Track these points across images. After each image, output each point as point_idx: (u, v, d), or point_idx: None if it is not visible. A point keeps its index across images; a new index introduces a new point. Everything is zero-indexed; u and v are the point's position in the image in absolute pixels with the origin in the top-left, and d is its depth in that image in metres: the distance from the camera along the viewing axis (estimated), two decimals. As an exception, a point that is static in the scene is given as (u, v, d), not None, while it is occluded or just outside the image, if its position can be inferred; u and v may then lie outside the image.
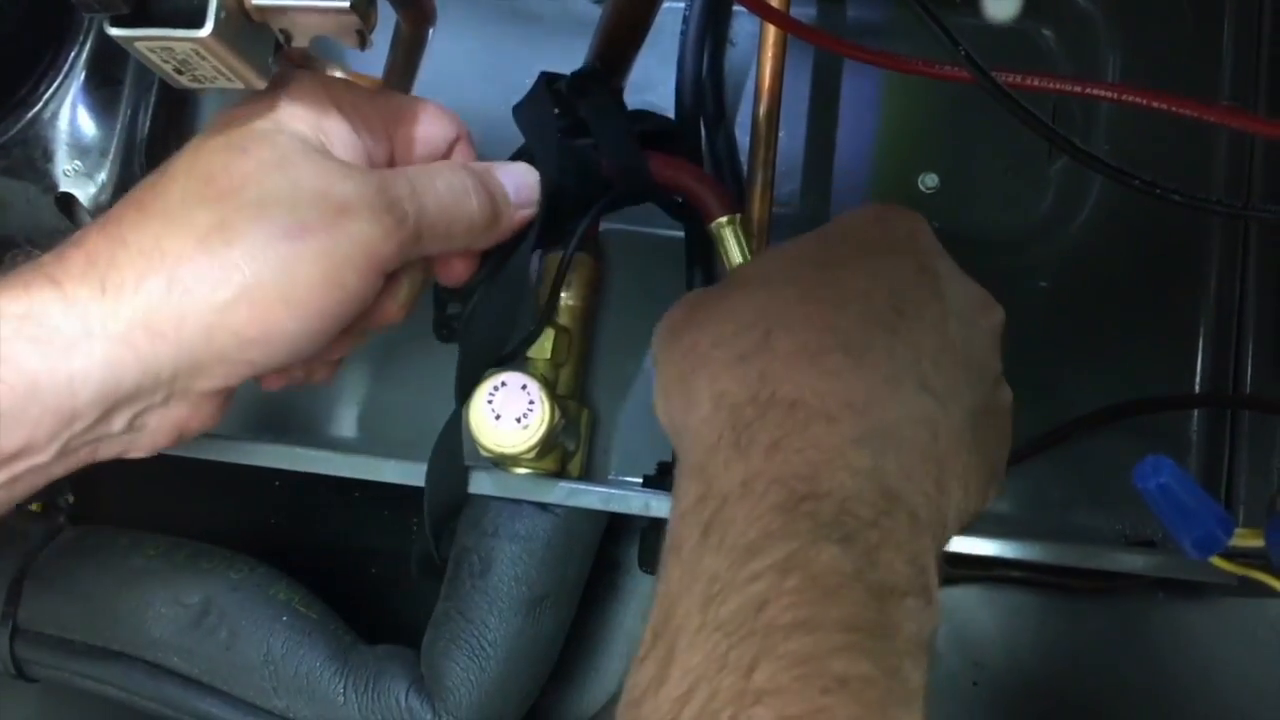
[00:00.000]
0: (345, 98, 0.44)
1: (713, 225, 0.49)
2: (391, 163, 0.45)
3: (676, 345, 0.39)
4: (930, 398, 0.36)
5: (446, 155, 0.47)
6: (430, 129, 0.46)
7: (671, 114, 0.57)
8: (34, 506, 0.61)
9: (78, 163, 0.63)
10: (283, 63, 0.44)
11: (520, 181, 0.46)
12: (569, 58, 0.57)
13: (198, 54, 0.43)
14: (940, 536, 0.36)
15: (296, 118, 0.42)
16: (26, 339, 0.37)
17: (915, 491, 0.35)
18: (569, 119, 0.49)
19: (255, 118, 0.42)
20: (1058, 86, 0.37)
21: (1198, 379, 0.60)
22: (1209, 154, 0.60)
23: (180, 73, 0.44)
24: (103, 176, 0.63)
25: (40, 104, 0.63)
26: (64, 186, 0.63)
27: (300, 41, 0.46)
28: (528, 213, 0.47)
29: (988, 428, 0.38)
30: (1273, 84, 0.58)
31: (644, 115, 0.51)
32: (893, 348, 0.36)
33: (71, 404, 0.38)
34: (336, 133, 0.42)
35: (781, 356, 0.36)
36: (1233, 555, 0.41)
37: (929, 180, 0.62)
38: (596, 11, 0.61)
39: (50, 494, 0.63)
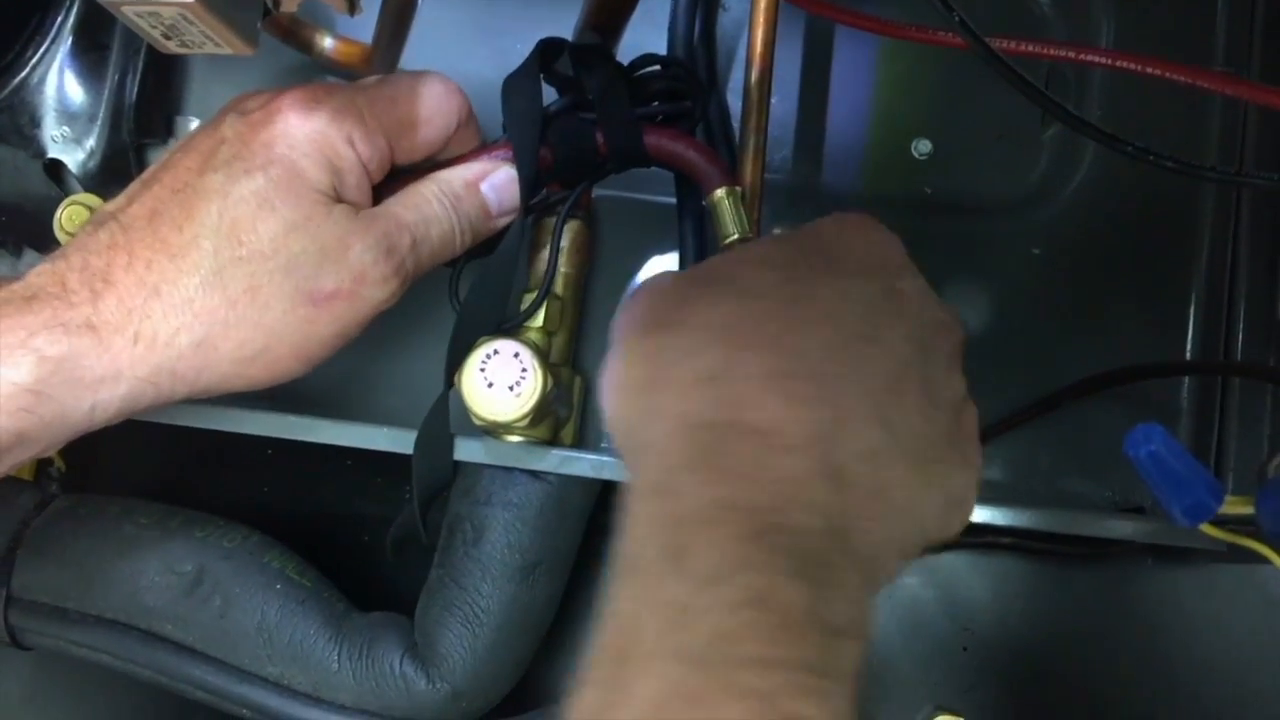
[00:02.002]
0: (350, 114, 0.44)
1: (710, 197, 0.49)
2: (393, 159, 0.46)
3: (639, 348, 0.38)
4: (881, 430, 0.36)
5: (451, 140, 0.48)
6: (433, 116, 0.47)
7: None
8: (25, 475, 0.61)
9: (66, 129, 0.62)
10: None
11: (503, 194, 0.48)
12: (561, 21, 0.57)
13: (185, 19, 0.42)
14: (872, 570, 0.35)
15: (314, 161, 0.43)
16: (63, 380, 0.41)
17: (856, 529, 0.35)
18: (571, 93, 0.49)
19: (275, 151, 0.43)
20: (1051, 52, 0.37)
21: (1189, 345, 0.60)
22: (1203, 119, 0.60)
23: (168, 38, 0.44)
24: (91, 142, 0.63)
25: (27, 69, 0.62)
26: (52, 153, 0.62)
27: (289, 7, 0.45)
28: (509, 219, 0.49)
29: (944, 455, 0.38)
30: (1266, 50, 0.58)
31: (646, 79, 0.50)
32: (853, 377, 0.36)
33: (88, 424, 0.43)
34: (349, 169, 0.45)
35: (744, 380, 0.36)
36: (1223, 522, 0.41)
37: (922, 146, 0.62)
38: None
39: (42, 463, 0.63)
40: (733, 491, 0.34)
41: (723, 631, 0.31)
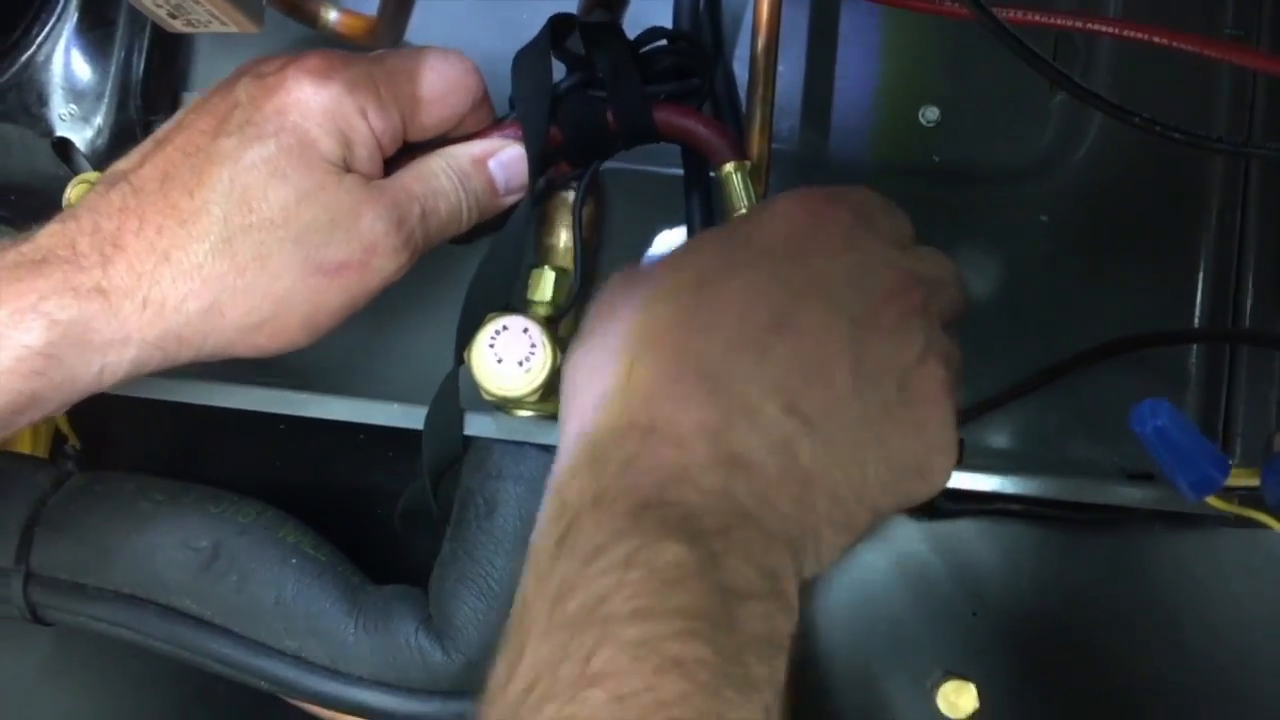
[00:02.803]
0: (365, 86, 0.44)
1: (719, 172, 0.49)
2: (405, 135, 0.46)
3: (568, 363, 0.41)
4: (795, 419, 0.36)
5: (464, 119, 0.48)
6: (449, 94, 0.46)
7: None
8: (41, 453, 0.62)
9: (73, 106, 0.62)
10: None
11: (510, 172, 0.48)
12: (566, -7, 0.57)
13: (191, -1, 0.42)
14: (813, 551, 0.36)
15: (326, 131, 0.43)
16: (73, 343, 0.41)
17: (771, 512, 0.35)
18: (582, 71, 0.49)
19: (287, 119, 0.43)
20: (1059, 22, 0.37)
21: (1197, 313, 0.60)
22: (1211, 86, 0.60)
23: (174, 17, 0.44)
24: (99, 120, 0.63)
25: (33, 47, 0.62)
26: (60, 131, 0.62)
27: (294, -16, 0.45)
28: (516, 197, 0.49)
29: (892, 426, 0.38)
30: (1276, 17, 0.58)
31: (654, 54, 0.50)
32: (757, 371, 0.37)
33: (96, 385, 0.43)
34: (359, 141, 0.44)
35: (641, 386, 0.37)
36: (1229, 493, 0.41)
37: (929, 114, 0.62)
38: (592, -54, 0.60)
39: (57, 441, 0.63)
40: (618, 480, 0.35)
41: (601, 594, 0.32)
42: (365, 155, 0.45)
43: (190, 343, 0.43)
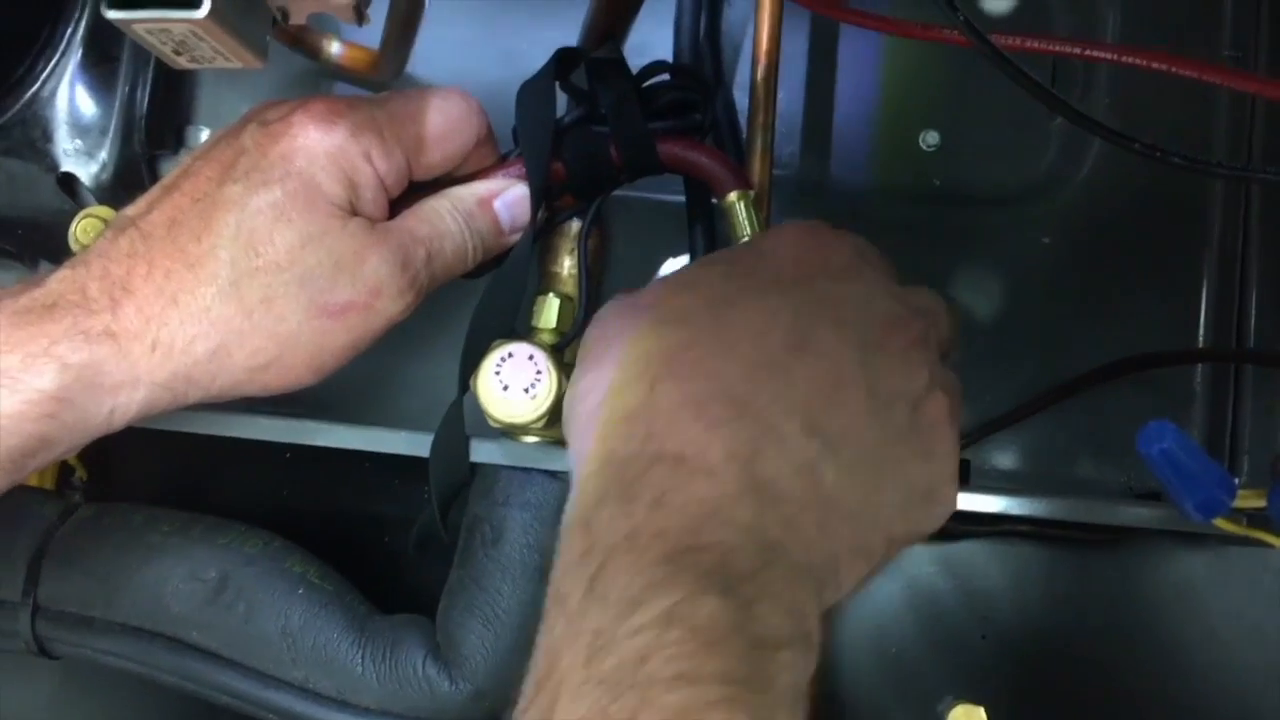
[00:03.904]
0: (369, 129, 0.45)
1: (722, 201, 0.49)
2: (410, 175, 0.47)
3: (574, 387, 0.41)
4: (818, 441, 0.36)
5: (468, 157, 0.48)
6: (452, 133, 0.47)
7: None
8: (49, 485, 0.62)
9: (78, 142, 0.63)
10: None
11: (515, 211, 0.49)
12: (564, 22, 0.57)
13: (195, 35, 0.43)
14: (832, 579, 0.36)
15: (331, 175, 0.44)
16: (84, 386, 0.42)
17: (797, 539, 0.35)
18: (585, 105, 0.49)
19: (293, 164, 0.43)
20: (1057, 48, 0.37)
21: (1201, 333, 0.60)
22: (1210, 106, 0.60)
23: (178, 54, 0.44)
24: (103, 155, 0.63)
25: (38, 84, 0.63)
26: (65, 166, 0.63)
27: (298, 19, 0.46)
28: (519, 235, 0.49)
29: (905, 451, 0.38)
30: (1273, 37, 0.58)
31: (656, 89, 0.51)
32: (780, 392, 0.37)
33: (107, 427, 0.43)
34: (364, 184, 0.45)
35: (665, 411, 0.37)
36: (1236, 514, 0.41)
37: (930, 138, 0.62)
38: (593, -25, 0.61)
39: (64, 473, 0.63)
40: (651, 519, 0.34)
41: (640, 653, 0.31)
42: (370, 198, 0.45)
43: (199, 383, 0.44)
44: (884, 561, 0.38)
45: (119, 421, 0.43)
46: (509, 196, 0.48)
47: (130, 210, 0.46)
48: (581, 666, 0.32)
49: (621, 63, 0.51)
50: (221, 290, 0.43)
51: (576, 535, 0.36)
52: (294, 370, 0.45)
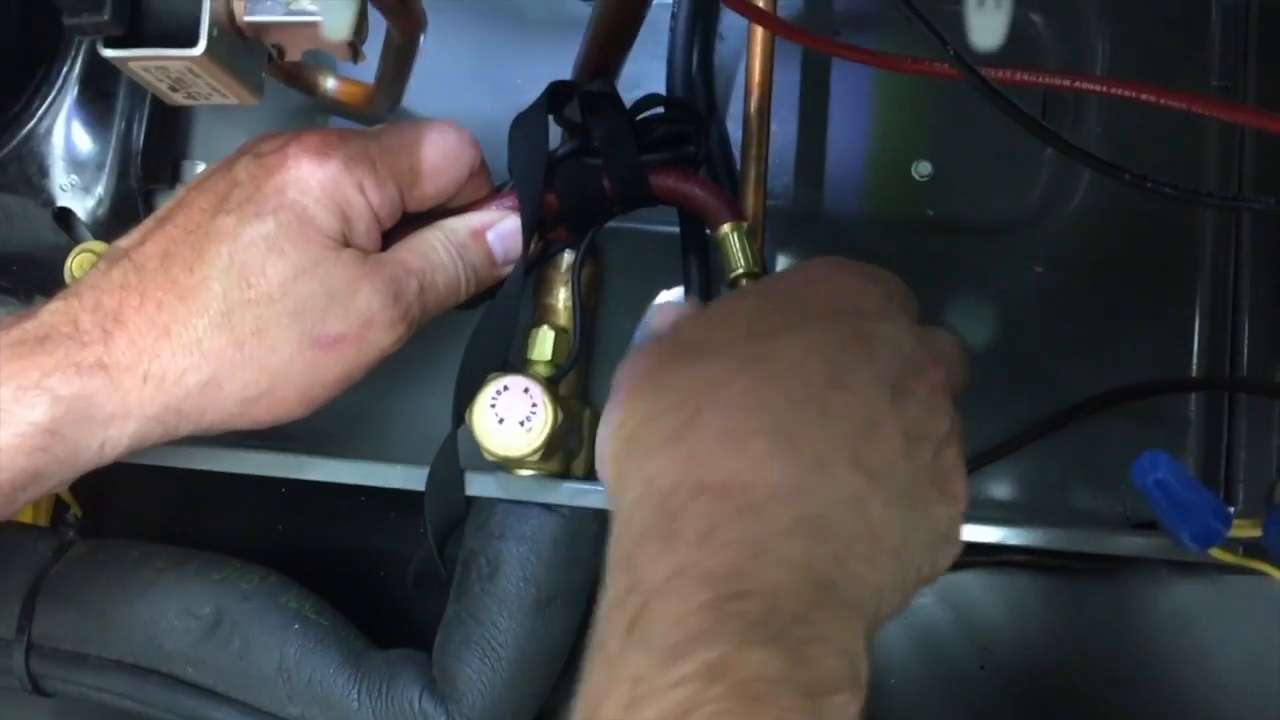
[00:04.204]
0: (362, 162, 0.45)
1: (716, 233, 0.50)
2: (403, 207, 0.47)
3: (612, 419, 0.40)
4: (862, 475, 0.36)
5: (462, 189, 0.48)
6: (445, 165, 0.47)
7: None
8: (43, 522, 0.62)
9: (74, 177, 0.63)
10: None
11: (508, 243, 0.49)
12: (558, 57, 0.58)
13: (192, 72, 0.43)
14: (874, 614, 0.36)
15: (324, 207, 0.44)
16: (76, 418, 0.42)
17: (847, 575, 0.34)
18: (579, 137, 0.49)
19: (286, 196, 0.44)
20: (1046, 81, 0.37)
21: (1195, 361, 0.60)
22: (1200, 136, 0.60)
23: (174, 90, 0.45)
24: (100, 190, 0.63)
25: (34, 119, 0.63)
26: (61, 201, 0.63)
27: (293, 56, 0.46)
28: (510, 268, 0.49)
29: (927, 494, 0.38)
30: (1261, 66, 0.58)
31: (650, 121, 0.51)
32: (823, 425, 0.36)
33: (98, 460, 0.43)
34: (357, 216, 0.45)
35: (708, 440, 0.36)
36: (1232, 543, 0.41)
37: (922, 168, 0.63)
38: (586, 10, 0.61)
39: (58, 509, 0.63)
40: (696, 556, 0.33)
41: (682, 705, 0.30)
42: (363, 229, 0.45)
43: (190, 416, 0.44)
44: (911, 598, 0.38)
45: (110, 454, 0.43)
46: (502, 228, 0.49)
47: (124, 242, 0.46)
48: (619, 715, 0.31)
49: (615, 96, 0.51)
50: (213, 322, 0.43)
51: (620, 572, 0.35)
52: (285, 403, 0.45)
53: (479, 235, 0.48)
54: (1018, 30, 0.63)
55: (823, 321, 0.39)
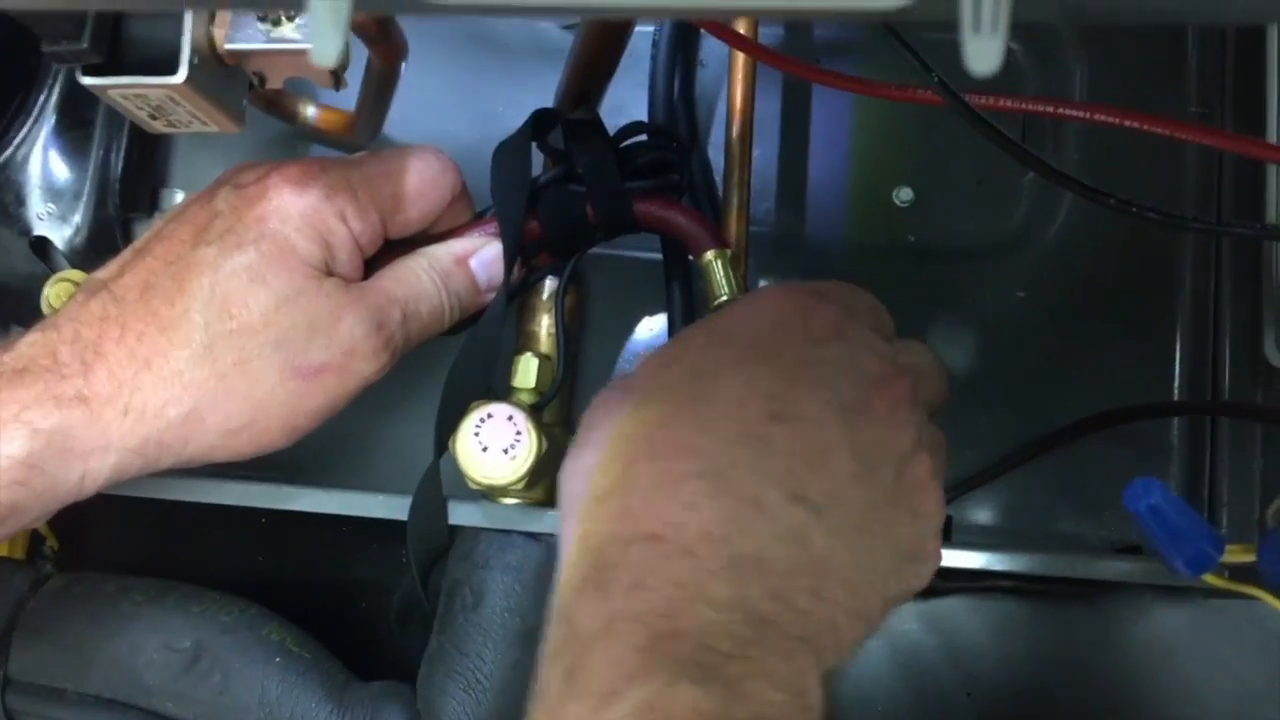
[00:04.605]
0: (343, 190, 0.45)
1: (699, 260, 0.50)
2: (386, 233, 0.46)
3: (563, 472, 0.40)
4: (803, 508, 0.36)
5: (443, 215, 0.48)
6: (426, 191, 0.47)
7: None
8: (19, 555, 0.61)
9: (51, 206, 0.63)
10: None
11: (491, 270, 0.49)
12: (540, 85, 0.58)
13: (172, 100, 0.43)
14: (833, 645, 0.35)
15: (306, 236, 0.44)
16: (55, 452, 0.41)
17: (786, 610, 0.34)
18: (562, 164, 0.49)
19: (267, 226, 0.43)
20: (1029, 107, 0.38)
21: (1176, 384, 0.60)
22: (1180, 159, 0.61)
23: (154, 118, 0.44)
24: (77, 219, 0.63)
25: (11, 148, 0.63)
26: (38, 230, 0.62)
27: (274, 83, 0.46)
28: (493, 294, 0.49)
29: (893, 512, 0.38)
30: (1239, 95, 0.59)
31: (633, 149, 0.51)
32: (759, 463, 0.36)
33: (77, 493, 0.43)
34: (339, 244, 0.45)
35: (641, 490, 0.36)
36: (1221, 568, 0.41)
37: (903, 194, 0.63)
38: (566, 39, 0.61)
39: (35, 542, 0.62)
40: (628, 604, 0.34)
41: None
42: (345, 258, 0.45)
43: (171, 448, 0.43)
44: (881, 622, 0.38)
45: (90, 488, 0.43)
46: (485, 255, 0.48)
47: (102, 273, 0.45)
48: None
49: (598, 124, 0.51)
50: (195, 353, 0.42)
51: (558, 625, 0.35)
52: (268, 434, 0.44)
53: (462, 262, 0.48)
54: (997, 57, 0.63)
55: (767, 352, 0.39)
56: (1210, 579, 0.40)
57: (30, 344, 0.42)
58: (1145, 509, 0.38)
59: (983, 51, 0.16)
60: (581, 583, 0.35)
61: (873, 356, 0.39)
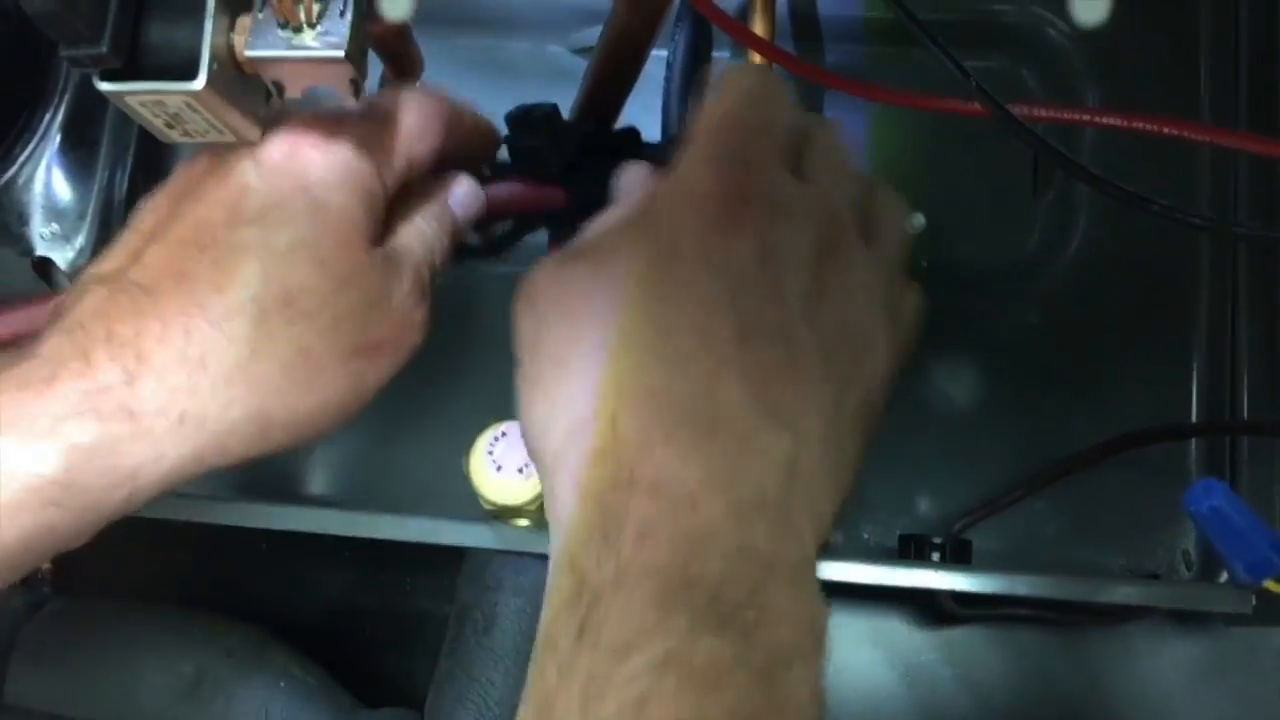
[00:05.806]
0: (372, 145, 0.42)
1: None
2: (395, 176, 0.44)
3: (531, 416, 0.38)
4: (785, 431, 0.35)
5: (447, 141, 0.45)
6: (428, 127, 0.44)
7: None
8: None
9: (55, 226, 0.62)
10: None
11: (467, 204, 0.46)
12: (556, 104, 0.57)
13: (190, 107, 0.42)
14: (820, 539, 0.36)
15: (355, 203, 0.41)
16: (96, 468, 0.37)
17: (787, 541, 0.34)
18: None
19: (312, 197, 0.40)
20: (1069, 116, 0.38)
21: (1194, 406, 0.60)
22: (1192, 174, 0.61)
23: (171, 127, 0.44)
24: (80, 240, 0.62)
25: (15, 167, 0.62)
26: (41, 250, 0.62)
27: (293, 92, 0.45)
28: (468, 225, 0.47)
29: (867, 408, 0.38)
30: (1252, 116, 0.59)
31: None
32: (740, 396, 0.35)
33: (124, 510, 0.38)
34: (378, 205, 0.42)
35: (633, 444, 0.34)
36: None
37: (916, 220, 0.62)
38: (576, 62, 0.62)
39: (31, 566, 0.61)
40: (637, 555, 0.33)
41: (637, 698, 0.30)
42: (378, 220, 0.42)
43: (232, 451, 0.39)
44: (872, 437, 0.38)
45: (137, 502, 0.38)
46: (458, 193, 0.46)
47: (108, 265, 0.40)
48: (577, 712, 0.31)
49: (636, 134, 0.51)
50: (255, 348, 0.38)
51: (564, 575, 0.34)
52: (328, 418, 0.41)
53: (447, 204, 0.46)
54: (1010, 86, 0.64)
55: (723, 259, 0.36)
56: (1272, 585, 0.40)
57: (54, 348, 0.38)
58: (1207, 510, 0.38)
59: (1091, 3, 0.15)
60: (588, 535, 0.34)
61: (808, 221, 0.38)
